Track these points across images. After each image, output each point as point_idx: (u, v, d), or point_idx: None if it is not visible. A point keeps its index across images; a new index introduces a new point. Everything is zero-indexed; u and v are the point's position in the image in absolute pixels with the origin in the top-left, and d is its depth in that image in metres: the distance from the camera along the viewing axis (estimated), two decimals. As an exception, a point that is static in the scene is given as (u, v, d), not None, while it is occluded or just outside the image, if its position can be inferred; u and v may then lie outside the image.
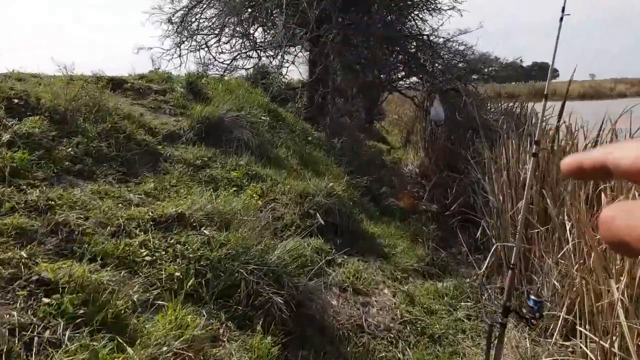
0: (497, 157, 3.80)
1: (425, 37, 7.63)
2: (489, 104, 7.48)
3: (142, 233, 2.31)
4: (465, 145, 6.25)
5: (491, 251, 2.44)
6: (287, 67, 7.38)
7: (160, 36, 7.56)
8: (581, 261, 2.43)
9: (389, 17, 7.79)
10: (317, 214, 3.78)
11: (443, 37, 8.02)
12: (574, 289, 2.63)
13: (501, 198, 3.44)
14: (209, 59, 7.11)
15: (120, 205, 2.59)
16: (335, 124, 7.70)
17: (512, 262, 1.85)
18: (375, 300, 2.93)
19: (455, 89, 7.03)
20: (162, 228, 2.42)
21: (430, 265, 3.83)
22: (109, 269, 1.88)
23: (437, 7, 7.74)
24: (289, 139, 5.88)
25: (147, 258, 2.13)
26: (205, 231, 2.47)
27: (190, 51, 7.58)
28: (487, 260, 2.51)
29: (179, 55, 7.60)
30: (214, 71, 7.07)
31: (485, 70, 8.43)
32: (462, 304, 3.08)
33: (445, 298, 3.11)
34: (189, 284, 2.09)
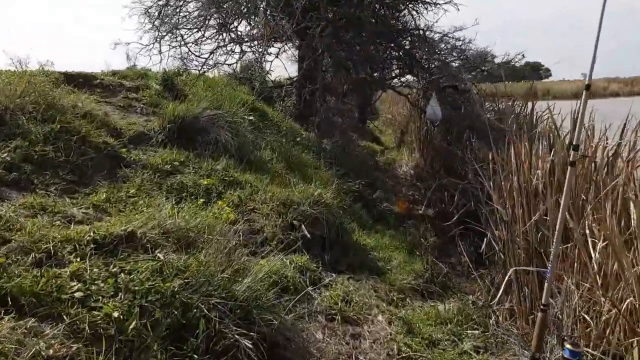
0: (503, 160, 3.39)
1: (420, 31, 7.22)
2: (487, 103, 7.09)
3: (78, 260, 1.86)
4: (462, 146, 5.87)
5: (506, 277, 2.03)
6: (272, 62, 6.90)
7: (136, 29, 7.03)
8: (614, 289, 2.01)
9: (382, 11, 7.37)
10: (302, 226, 3.34)
11: (439, 33, 7.62)
12: (603, 318, 2.22)
13: (510, 208, 3.03)
14: (187, 54, 6.61)
15: (58, 223, 2.14)
16: (325, 123, 7.25)
17: (542, 301, 1.43)
18: (368, 331, 2.50)
19: (454, 87, 6.63)
20: (105, 252, 1.96)
21: (429, 282, 3.42)
22: (14, 315, 1.42)
23: (432, 0, 7.33)
24: (275, 140, 5.42)
25: (78, 294, 1.67)
26: (159, 255, 2.02)
27: (172, 47, 7.07)
28: (502, 288, 2.10)
29: (159, 52, 7.09)
30: (194, 67, 6.58)
31: (484, 67, 8.03)
32: (469, 332, 2.66)
33: (449, 325, 2.69)
34: (131, 327, 1.65)
